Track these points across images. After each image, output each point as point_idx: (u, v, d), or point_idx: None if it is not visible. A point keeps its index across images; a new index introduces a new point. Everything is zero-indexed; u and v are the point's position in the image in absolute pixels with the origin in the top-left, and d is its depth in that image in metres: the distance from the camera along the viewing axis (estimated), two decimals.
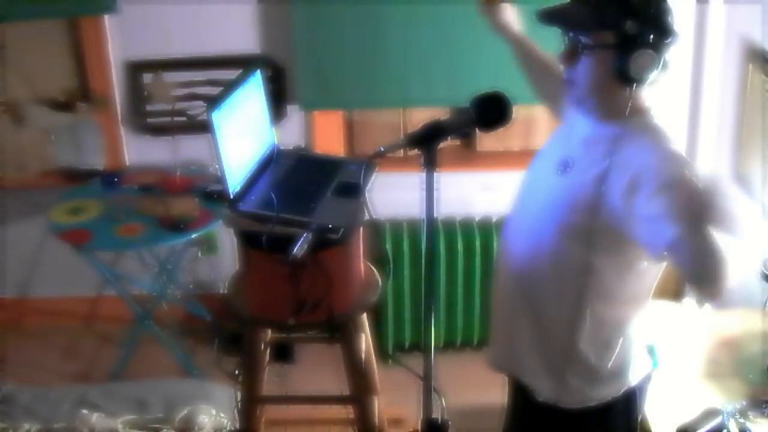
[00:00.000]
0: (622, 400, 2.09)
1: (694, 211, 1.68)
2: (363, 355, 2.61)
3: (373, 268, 2.63)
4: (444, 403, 2.01)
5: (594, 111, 1.94)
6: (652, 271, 1.98)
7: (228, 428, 2.99)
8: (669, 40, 1.82)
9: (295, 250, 2.17)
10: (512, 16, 2.39)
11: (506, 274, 2.16)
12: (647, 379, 2.16)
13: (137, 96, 3.78)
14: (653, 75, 1.82)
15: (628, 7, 1.79)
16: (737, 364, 2.76)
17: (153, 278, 3.90)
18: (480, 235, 3.75)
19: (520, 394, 2.20)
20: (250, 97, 2.48)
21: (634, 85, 1.82)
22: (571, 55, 1.89)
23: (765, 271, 2.84)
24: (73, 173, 3.87)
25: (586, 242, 1.89)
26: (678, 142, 1.90)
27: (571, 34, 1.89)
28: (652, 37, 1.79)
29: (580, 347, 2.02)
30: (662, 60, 1.82)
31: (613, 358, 2.04)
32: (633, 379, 2.09)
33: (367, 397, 2.66)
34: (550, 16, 1.87)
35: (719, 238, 1.65)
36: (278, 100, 3.62)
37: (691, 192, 1.73)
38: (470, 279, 3.77)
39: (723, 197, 1.72)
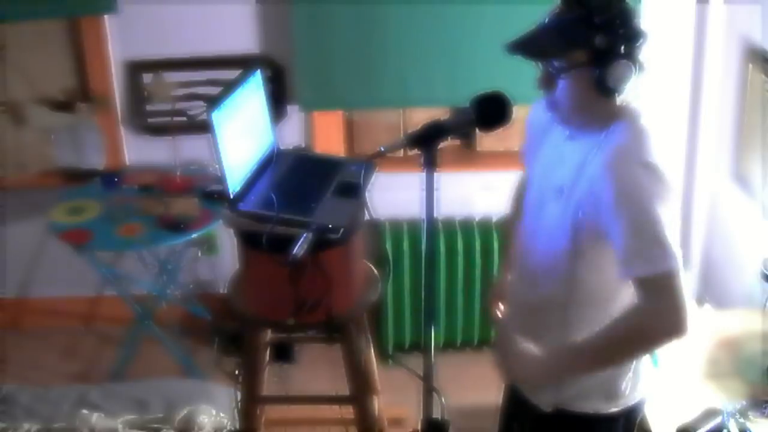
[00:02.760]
0: (615, 417, 2.06)
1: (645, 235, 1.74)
2: (363, 355, 2.61)
3: (373, 268, 2.63)
4: (444, 403, 2.01)
5: (582, 127, 1.94)
6: None
7: (228, 428, 2.98)
8: (639, 42, 1.82)
9: (295, 250, 2.17)
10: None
11: (518, 291, 2.14)
12: (643, 401, 2.12)
13: (137, 96, 3.78)
14: (632, 80, 1.82)
15: (593, 24, 1.79)
16: (737, 364, 2.76)
17: (153, 278, 3.90)
18: (480, 235, 3.74)
19: (514, 396, 2.20)
20: (250, 97, 2.48)
21: (616, 95, 1.83)
22: (549, 81, 1.88)
23: (765, 271, 2.84)
24: (73, 173, 3.86)
25: (582, 264, 1.90)
26: (656, 136, 1.88)
27: (544, 61, 1.89)
28: (623, 46, 1.79)
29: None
30: (637, 64, 1.82)
31: (617, 376, 2.02)
32: (631, 398, 2.06)
33: (367, 397, 2.66)
34: (520, 48, 1.85)
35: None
36: (278, 100, 3.62)
37: (640, 213, 1.76)
38: (470, 279, 3.77)
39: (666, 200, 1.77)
